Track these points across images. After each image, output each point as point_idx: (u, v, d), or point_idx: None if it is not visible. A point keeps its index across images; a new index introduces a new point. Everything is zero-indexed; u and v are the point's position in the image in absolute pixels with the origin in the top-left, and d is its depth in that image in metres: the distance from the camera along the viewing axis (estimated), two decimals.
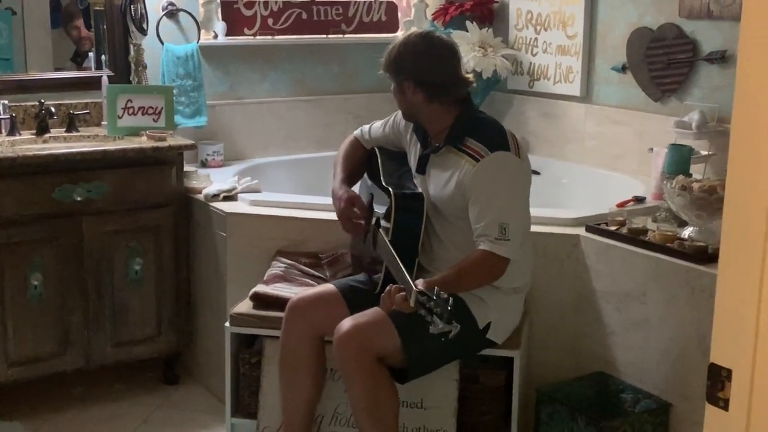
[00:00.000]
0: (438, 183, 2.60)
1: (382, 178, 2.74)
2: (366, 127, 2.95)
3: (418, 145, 2.70)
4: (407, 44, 2.60)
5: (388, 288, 2.32)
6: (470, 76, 2.66)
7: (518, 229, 2.49)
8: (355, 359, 2.46)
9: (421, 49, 2.59)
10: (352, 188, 2.83)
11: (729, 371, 1.15)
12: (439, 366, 2.67)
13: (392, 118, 2.86)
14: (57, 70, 3.76)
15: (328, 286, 2.74)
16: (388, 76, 2.64)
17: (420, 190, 2.68)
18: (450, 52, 2.61)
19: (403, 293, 2.25)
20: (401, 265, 2.34)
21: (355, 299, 2.65)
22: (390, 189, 2.64)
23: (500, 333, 2.65)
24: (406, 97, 2.61)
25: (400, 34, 4.29)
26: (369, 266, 2.75)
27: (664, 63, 3.51)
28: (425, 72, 2.56)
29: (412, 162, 2.73)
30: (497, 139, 2.54)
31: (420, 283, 2.25)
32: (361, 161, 2.91)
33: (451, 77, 2.59)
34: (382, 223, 2.65)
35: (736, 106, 1.14)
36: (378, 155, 2.84)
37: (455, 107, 2.60)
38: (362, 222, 2.71)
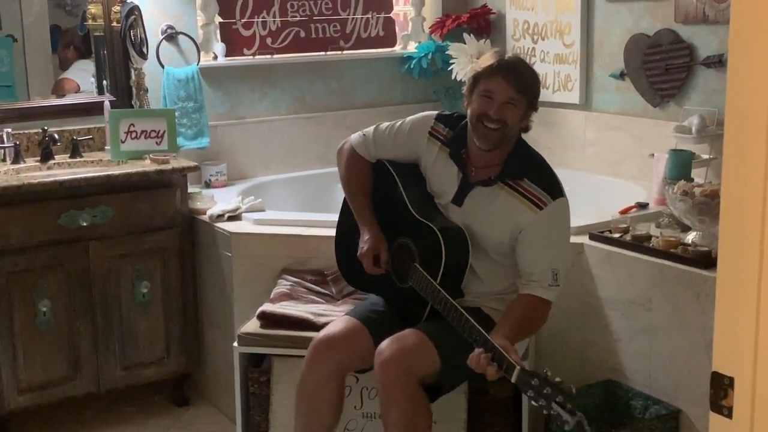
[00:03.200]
0: (487, 221, 2.50)
1: (409, 206, 2.57)
2: (368, 135, 2.71)
3: (455, 171, 2.56)
4: (535, 72, 2.58)
5: (475, 356, 2.20)
6: None
7: (565, 272, 2.50)
8: (399, 384, 2.39)
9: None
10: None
11: (731, 379, 1.15)
12: (466, 380, 2.65)
13: (402, 128, 2.67)
14: (59, 96, 3.79)
15: (352, 321, 2.60)
16: (517, 100, 2.47)
17: (454, 220, 2.56)
18: None
19: (495, 365, 2.17)
20: (479, 327, 2.24)
21: (377, 329, 2.57)
22: (431, 225, 2.50)
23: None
24: (521, 126, 2.53)
25: (397, 48, 4.32)
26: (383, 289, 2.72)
27: (662, 68, 3.52)
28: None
29: (441, 188, 2.60)
30: (553, 183, 2.50)
31: (511, 353, 2.16)
32: (371, 180, 2.73)
33: None
34: (416, 257, 2.54)
35: (728, 111, 1.15)
36: (394, 174, 2.65)
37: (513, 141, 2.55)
38: (382, 270, 2.63)
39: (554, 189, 2.49)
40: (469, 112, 2.52)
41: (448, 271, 2.48)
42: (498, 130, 2.47)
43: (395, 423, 2.43)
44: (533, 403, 2.09)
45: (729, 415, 1.16)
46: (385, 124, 2.73)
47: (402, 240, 2.62)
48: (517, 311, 2.42)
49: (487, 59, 2.53)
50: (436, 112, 2.71)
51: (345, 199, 2.79)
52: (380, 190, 2.72)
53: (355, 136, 2.75)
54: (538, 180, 2.49)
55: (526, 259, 2.46)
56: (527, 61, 4.08)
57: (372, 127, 2.74)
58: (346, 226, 2.79)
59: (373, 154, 2.73)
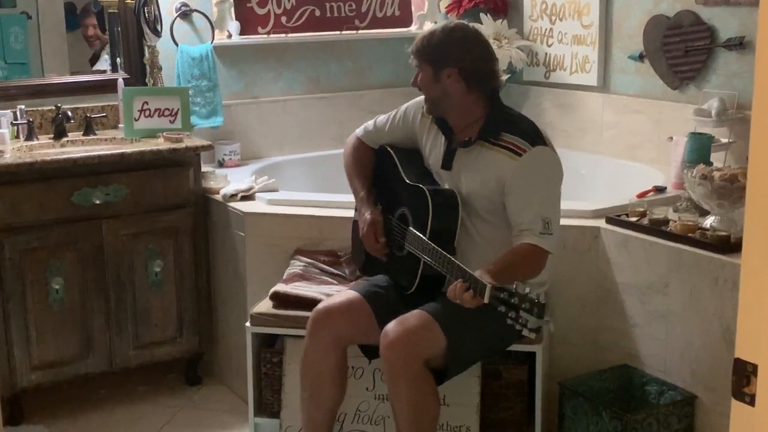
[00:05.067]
0: (472, 179, 2.55)
1: (404, 177, 2.68)
2: (369, 125, 2.86)
3: (442, 139, 2.65)
4: (453, 31, 2.57)
5: (453, 286, 2.25)
6: (502, 71, 2.64)
7: (557, 223, 2.49)
8: (404, 365, 2.41)
9: (469, 36, 2.57)
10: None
11: (755, 366, 1.13)
12: (474, 363, 2.66)
13: (399, 112, 2.79)
14: (73, 73, 3.77)
15: (353, 294, 2.66)
16: (419, 64, 2.58)
17: (447, 186, 2.63)
18: (490, 45, 2.63)
19: (471, 291, 2.21)
20: (455, 260, 2.31)
21: (380, 304, 2.61)
22: (421, 186, 2.58)
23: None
24: (443, 86, 2.55)
25: (414, 28, 4.28)
26: (386, 267, 2.74)
27: (682, 51, 3.47)
28: (472, 60, 2.54)
29: (434, 157, 2.68)
30: (534, 133, 2.52)
31: (485, 276, 2.21)
32: (373, 165, 2.85)
33: (493, 67, 2.59)
34: (410, 221, 2.60)
35: (757, 92, 1.11)
36: (392, 153, 2.77)
37: (486, 101, 2.58)
38: (383, 246, 2.68)
39: (534, 137, 2.50)
40: None
41: (437, 227, 2.51)
42: (424, 95, 2.63)
43: (402, 404, 2.45)
44: (507, 320, 2.12)
45: (751, 403, 1.14)
46: (384, 114, 2.85)
47: (400, 211, 2.67)
48: (507, 255, 2.43)
49: None
50: None
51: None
52: (383, 173, 2.80)
53: (358, 129, 2.90)
54: (517, 131, 2.52)
55: (514, 209, 2.46)
56: (543, 42, 4.09)
57: (373, 119, 2.88)
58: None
59: (374, 139, 2.84)
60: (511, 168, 2.46)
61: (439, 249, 2.38)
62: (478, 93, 2.56)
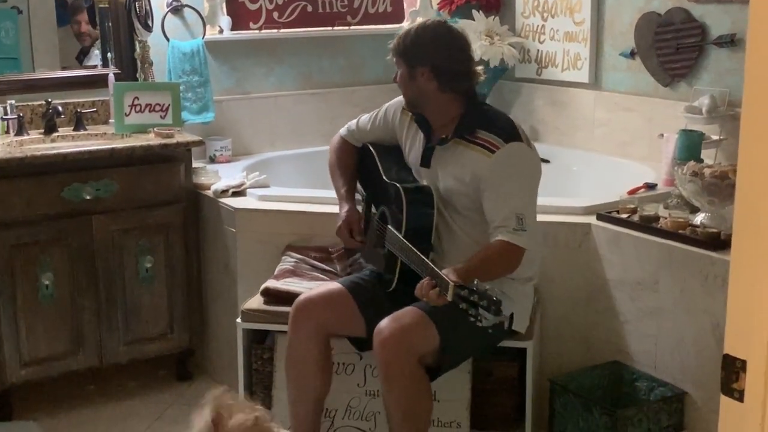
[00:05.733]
0: (448, 176, 2.57)
1: (383, 174, 2.70)
2: (352, 124, 2.90)
3: (420, 136, 2.67)
4: (426, 30, 2.58)
5: (420, 284, 2.29)
6: (480, 69, 2.64)
7: (533, 219, 2.50)
8: (399, 362, 2.42)
9: (441, 35, 2.58)
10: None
11: (743, 362, 1.13)
12: (466, 359, 2.68)
13: (380, 111, 2.82)
14: (64, 68, 3.76)
15: (334, 285, 2.71)
16: (397, 62, 2.61)
17: (425, 183, 2.65)
18: (467, 43, 2.62)
19: (437, 288, 2.23)
20: (426, 259, 2.33)
21: (363, 296, 2.64)
22: (396, 184, 2.61)
23: (522, 322, 2.65)
24: (417, 84, 2.57)
25: (405, 24, 4.27)
26: (370, 259, 2.76)
27: (673, 48, 3.48)
28: (444, 59, 2.54)
29: (413, 155, 2.70)
30: (509, 129, 2.53)
31: (451, 275, 2.23)
32: (355, 163, 2.88)
33: (467, 67, 2.59)
34: (389, 219, 2.63)
35: (747, 89, 1.11)
36: (373, 151, 2.79)
37: (463, 99, 2.59)
38: (359, 242, 2.74)
39: (508, 134, 2.51)
40: None
41: (413, 225, 2.53)
42: (402, 93, 2.66)
43: (396, 401, 2.45)
44: (469, 317, 2.16)
45: (740, 399, 1.14)
46: (368, 113, 2.89)
47: (381, 208, 2.70)
48: (480, 253, 2.45)
49: None
50: None
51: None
52: (367, 171, 2.84)
53: (342, 128, 2.94)
54: (492, 128, 2.53)
55: (489, 206, 2.48)
56: (535, 39, 4.09)
57: (356, 119, 2.92)
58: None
59: (358, 137, 2.88)
60: (486, 165, 2.48)
61: (413, 248, 2.40)
62: (453, 92, 2.57)
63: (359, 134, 2.87)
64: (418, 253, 2.36)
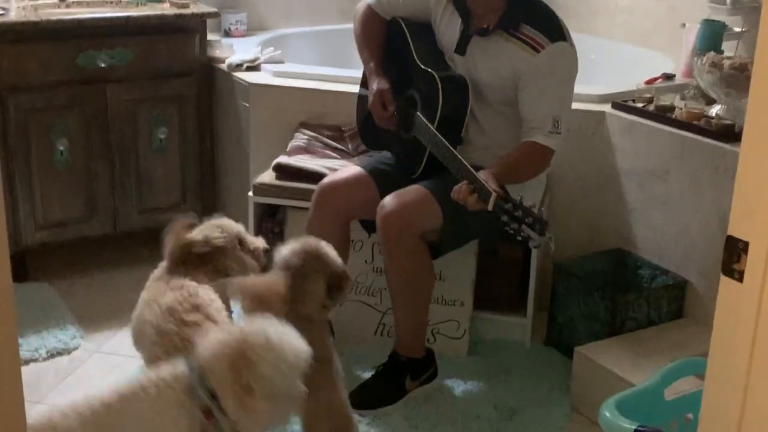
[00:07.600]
0: (487, 68, 2.50)
1: (415, 57, 2.61)
2: None
3: (458, 21, 2.56)
4: None
5: (458, 188, 2.24)
6: None
7: (567, 122, 2.46)
8: (400, 238, 2.44)
9: None
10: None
11: (746, 243, 1.15)
12: (470, 240, 2.69)
13: None
14: None
15: (358, 170, 2.67)
16: None
17: (459, 71, 2.58)
18: None
19: (475, 195, 2.20)
20: (463, 160, 2.28)
21: (384, 181, 2.61)
22: (432, 71, 2.53)
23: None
24: None
25: None
26: (390, 145, 2.73)
27: None
28: None
29: (447, 39, 2.61)
30: (554, 26, 2.46)
31: (491, 181, 2.19)
32: (384, 35, 2.75)
33: None
34: (418, 105, 2.57)
35: None
36: (405, 29, 2.68)
37: None
38: (391, 119, 2.64)
39: (554, 32, 2.44)
40: None
41: (446, 117, 2.49)
42: None
43: (396, 275, 2.50)
44: (507, 229, 2.13)
45: (740, 279, 1.16)
46: None
47: (409, 92, 2.63)
48: (513, 155, 2.42)
49: None
50: None
51: None
52: (394, 47, 2.73)
53: None
54: (538, 24, 2.45)
55: (526, 105, 2.44)
56: None
57: None
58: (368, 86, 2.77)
59: (387, 9, 2.74)
60: (529, 63, 2.41)
61: (447, 143, 2.36)
62: None
63: (389, 6, 2.72)
64: (454, 151, 2.32)
